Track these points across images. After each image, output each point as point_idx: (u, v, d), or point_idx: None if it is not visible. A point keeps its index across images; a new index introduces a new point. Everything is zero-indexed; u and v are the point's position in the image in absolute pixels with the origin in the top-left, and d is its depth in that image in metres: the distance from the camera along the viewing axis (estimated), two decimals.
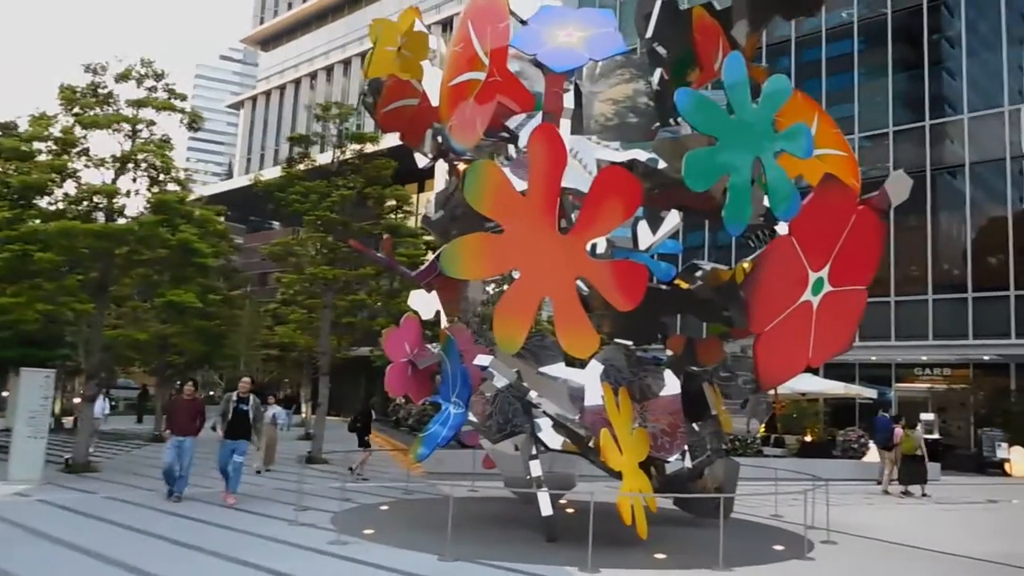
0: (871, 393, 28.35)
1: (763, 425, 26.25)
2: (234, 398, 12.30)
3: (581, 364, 11.23)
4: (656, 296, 12.01)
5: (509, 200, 8.34)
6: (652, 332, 12.73)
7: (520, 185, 8.56)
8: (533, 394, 9.81)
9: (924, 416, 29.28)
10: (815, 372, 29.50)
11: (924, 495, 18.25)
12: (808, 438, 27.51)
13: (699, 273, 12.13)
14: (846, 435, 24.53)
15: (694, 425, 11.89)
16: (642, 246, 11.85)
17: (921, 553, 10.35)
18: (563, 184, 8.60)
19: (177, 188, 16.75)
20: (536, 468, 9.82)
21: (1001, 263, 29.46)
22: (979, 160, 30.36)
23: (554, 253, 8.38)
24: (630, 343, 13.00)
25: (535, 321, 14.39)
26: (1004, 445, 26.76)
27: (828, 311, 9.21)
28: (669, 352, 12.63)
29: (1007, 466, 26.20)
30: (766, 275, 8.57)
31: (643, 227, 12.07)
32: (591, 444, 9.47)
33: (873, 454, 23.91)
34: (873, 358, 30.72)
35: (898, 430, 19.55)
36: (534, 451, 10.15)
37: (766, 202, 8.80)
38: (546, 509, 9.48)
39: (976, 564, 9.67)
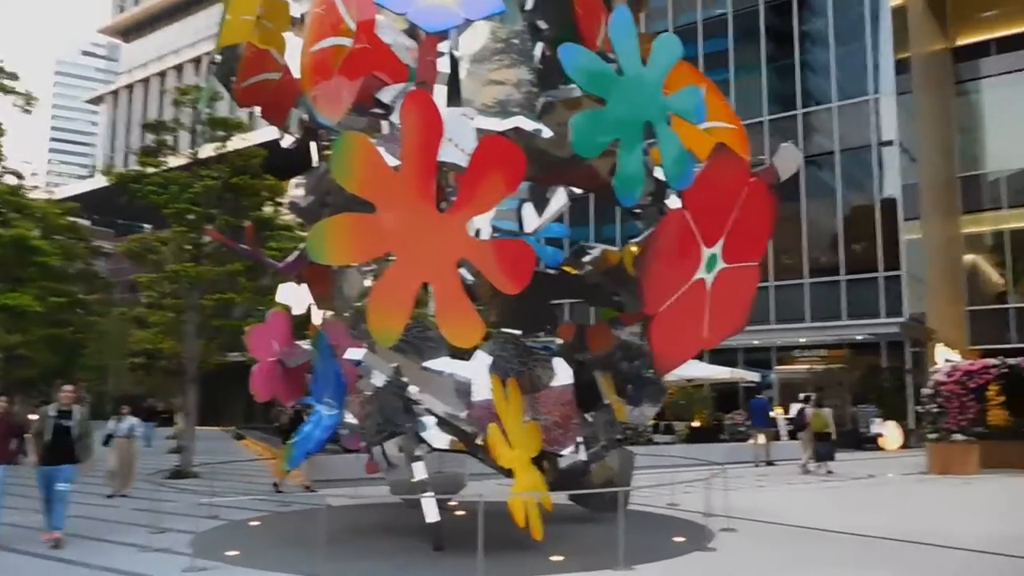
0: (754, 377, 28.89)
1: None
2: (51, 412, 9.62)
3: (468, 356, 10.54)
4: (544, 281, 11.40)
5: (380, 176, 7.51)
6: (541, 320, 12.12)
7: (393, 162, 7.75)
8: (414, 390, 8.99)
9: (802, 396, 30.12)
10: (700, 358, 29.91)
11: (829, 472, 18.61)
12: (696, 423, 27.78)
13: (587, 257, 11.61)
14: (732, 419, 24.84)
15: (587, 415, 11.37)
16: (528, 230, 11.24)
17: (820, 534, 10.15)
18: (440, 159, 7.85)
19: (13, 180, 14.98)
20: (420, 471, 9.01)
21: (869, 247, 30.62)
22: (847, 147, 31.46)
23: (432, 234, 7.61)
24: (519, 332, 12.40)
25: (417, 311, 13.58)
26: (878, 421, 27.79)
27: (722, 289, 8.81)
28: (559, 340, 12.07)
29: (880, 441, 27.19)
30: (659, 252, 8.06)
31: (528, 209, 11.47)
32: (479, 441, 8.74)
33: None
34: (755, 342, 31.36)
35: (809, 410, 19.90)
36: (418, 452, 9.33)
37: (658, 174, 8.32)
38: (431, 515, 8.68)
39: (874, 542, 9.50)
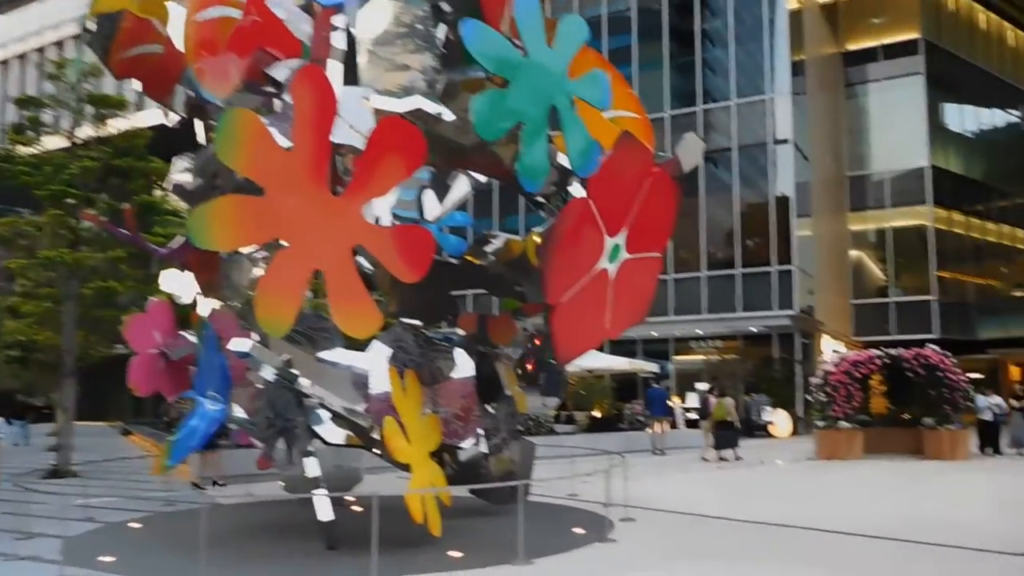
0: (653, 367, 29.43)
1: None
2: None
3: (365, 347, 10.17)
4: (445, 271, 11.13)
5: (270, 156, 7.06)
6: (442, 310, 11.84)
7: (284, 142, 7.31)
8: (305, 382, 8.57)
9: (699, 385, 30.88)
10: (600, 349, 30.20)
11: (737, 458, 19.13)
12: (597, 413, 28.04)
13: (491, 247, 11.39)
14: (632, 408, 25.18)
15: (488, 407, 11.18)
16: (429, 217, 10.92)
17: (717, 522, 10.25)
18: (335, 140, 7.46)
19: None
20: (313, 467, 8.60)
21: (763, 242, 31.59)
22: (744, 145, 32.32)
23: (325, 219, 7.21)
24: (419, 323, 12.10)
25: (316, 300, 13.06)
26: (768, 409, 28.73)
27: (625, 279, 8.73)
28: (460, 331, 11.82)
29: (771, 428, 28.11)
30: (562, 241, 7.90)
31: (429, 197, 11.14)
32: (375, 435, 8.40)
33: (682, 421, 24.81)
34: (653, 333, 31.90)
35: (712, 399, 20.39)
36: (310, 447, 8.91)
37: (562, 161, 8.16)
38: (324, 513, 8.30)
39: (769, 529, 9.66)
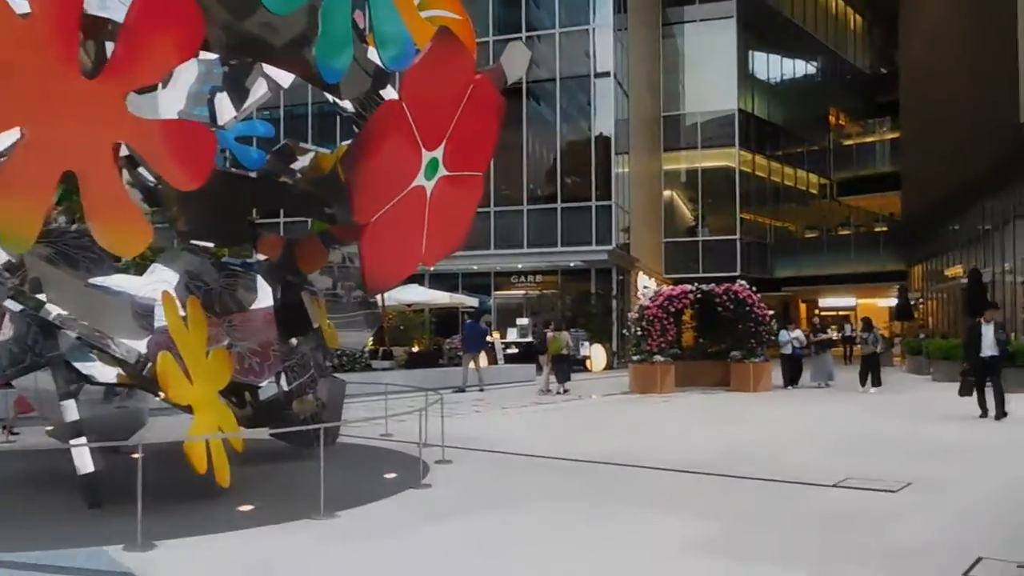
0: (473, 302, 28.97)
1: (371, 338, 25.46)
2: None
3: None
4: (242, 186, 9.84)
5: (2, 27, 5.52)
6: (238, 232, 10.53)
7: (23, 7, 5.76)
8: (55, 311, 7.12)
9: (519, 321, 30.89)
10: (420, 282, 29.39)
11: (564, 391, 19.25)
12: (416, 349, 27.29)
13: (298, 163, 10.14)
14: (452, 343, 24.62)
15: (293, 341, 10.09)
16: (222, 123, 9.51)
17: (534, 461, 9.81)
18: (87, 10, 6.01)
19: None
20: (71, 410, 7.21)
21: (584, 177, 31.71)
22: (567, 76, 32.04)
23: (76, 107, 5.78)
24: (211, 245, 10.73)
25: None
26: (586, 344, 29.17)
27: (443, 200, 7.82)
28: (261, 256, 10.57)
29: (588, 363, 28.59)
30: (371, 148, 6.84)
31: (223, 100, 9.70)
32: (147, 374, 7.15)
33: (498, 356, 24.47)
34: (474, 267, 31.47)
35: (549, 333, 20.25)
36: (72, 388, 7.49)
37: (372, 55, 7.08)
38: (85, 465, 6.99)
39: (587, 466, 9.33)
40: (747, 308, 19.53)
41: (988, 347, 12.72)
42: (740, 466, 9.00)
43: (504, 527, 6.62)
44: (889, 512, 6.81)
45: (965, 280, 25.53)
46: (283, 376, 9.86)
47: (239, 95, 9.62)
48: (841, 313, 48.48)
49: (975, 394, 12.86)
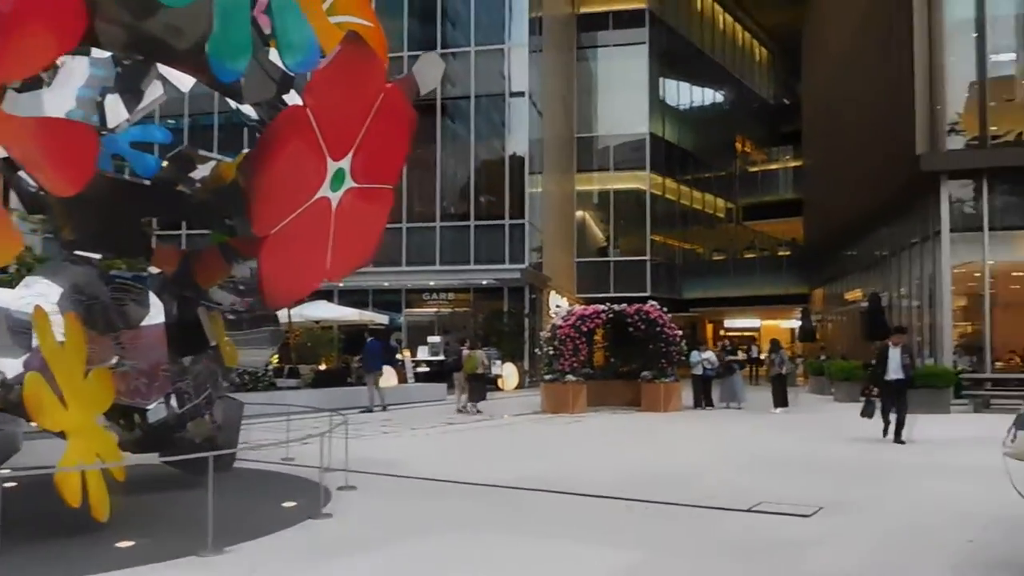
0: (383, 319, 28.37)
1: (276, 355, 24.56)
2: None
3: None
4: (134, 195, 9.21)
5: None
6: (131, 243, 9.86)
7: None
8: None
9: (431, 339, 30.41)
10: (329, 298, 28.65)
11: (477, 411, 19.05)
12: (323, 367, 26.49)
13: (198, 173, 9.55)
14: (359, 362, 23.92)
15: (186, 361, 9.46)
16: (111, 126, 8.87)
17: (444, 486, 9.45)
18: None
19: None
20: None
21: (498, 195, 31.59)
22: (482, 94, 31.95)
23: None
24: (99, 256, 9.99)
25: None
26: (498, 362, 28.91)
27: (350, 213, 7.43)
28: (155, 269, 9.92)
29: (500, 381, 28.32)
30: (272, 155, 6.40)
31: (115, 102, 9.05)
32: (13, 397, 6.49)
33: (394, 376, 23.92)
34: (385, 284, 30.90)
35: (465, 351, 19.98)
36: None
37: (274, 57, 6.66)
38: None
39: (496, 491, 9.01)
40: (658, 328, 19.64)
41: (894, 371, 12.85)
42: (655, 490, 8.84)
43: (410, 561, 6.23)
44: (808, 538, 6.71)
45: (865, 303, 26.45)
46: (174, 398, 9.24)
47: (133, 98, 9.00)
48: (747, 334, 49.72)
49: (880, 415, 12.97)
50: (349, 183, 7.35)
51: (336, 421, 9.69)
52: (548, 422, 17.30)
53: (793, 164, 52.94)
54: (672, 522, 7.49)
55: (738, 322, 53.13)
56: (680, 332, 20.29)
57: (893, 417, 12.82)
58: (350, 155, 7.22)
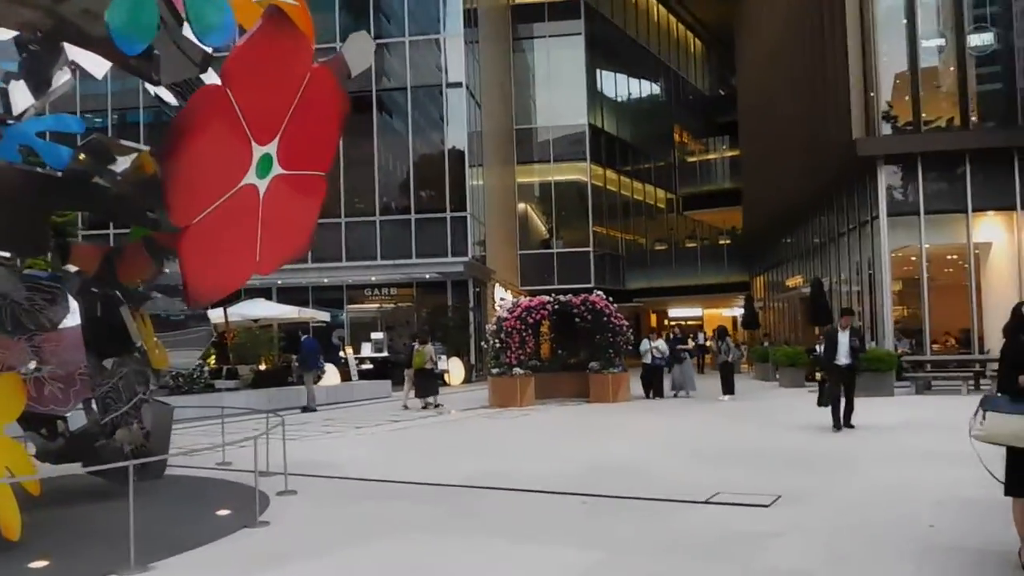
0: (324, 316, 27.75)
1: (212, 356, 23.75)
2: None
3: None
4: (43, 188, 8.57)
5: None
6: (39, 239, 9.20)
7: None
8: None
9: (374, 335, 29.84)
10: (267, 296, 27.89)
11: (437, 406, 18.76)
12: (263, 367, 25.74)
13: (119, 165, 8.94)
14: (298, 360, 23.27)
15: (108, 364, 8.89)
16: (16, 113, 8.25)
17: (388, 487, 9.05)
18: None
19: None
20: None
21: (438, 188, 31.15)
22: (418, 85, 31.44)
23: None
24: (9, 255, 9.34)
25: None
26: (444, 357, 28.48)
27: (279, 202, 6.97)
28: (74, 268, 9.33)
29: (447, 377, 27.89)
30: (190, 141, 5.91)
31: (19, 89, 8.43)
32: None
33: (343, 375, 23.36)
34: (325, 280, 30.24)
35: (416, 346, 19.49)
36: None
37: (188, 34, 6.18)
38: None
39: (439, 490, 8.66)
40: (604, 318, 19.48)
41: (844, 355, 12.51)
42: (610, 484, 8.57)
43: (354, 569, 5.85)
44: (768, 529, 6.49)
45: (807, 289, 26.76)
46: (97, 403, 8.69)
47: (39, 84, 8.37)
48: (690, 323, 50.19)
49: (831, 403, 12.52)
50: (277, 170, 6.91)
51: (273, 422, 9.22)
52: (496, 417, 16.99)
53: (730, 154, 53.57)
54: (630, 517, 7.20)
55: (681, 311, 53.63)
56: (627, 322, 20.15)
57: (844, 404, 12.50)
58: (276, 140, 6.78)
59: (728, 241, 49.70)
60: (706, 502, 7.54)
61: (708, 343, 32.35)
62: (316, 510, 7.87)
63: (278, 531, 6.92)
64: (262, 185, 6.79)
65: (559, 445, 12.62)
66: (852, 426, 12.42)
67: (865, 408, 13.51)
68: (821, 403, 12.82)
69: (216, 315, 23.49)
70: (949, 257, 22.07)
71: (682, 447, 11.77)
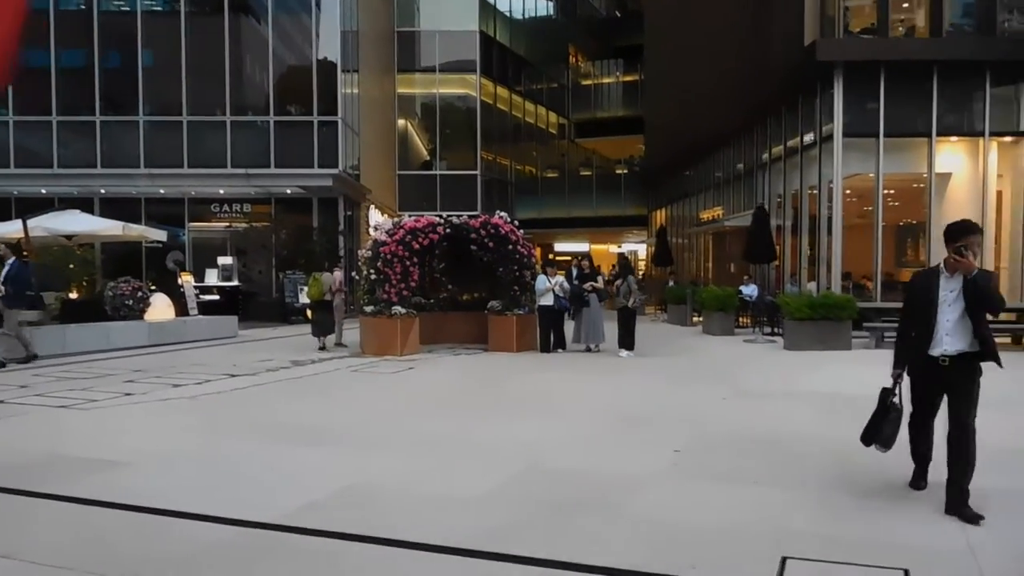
0: (159, 235, 22.42)
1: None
2: None
3: None
4: None
5: None
6: None
7: None
8: None
9: (222, 260, 24.89)
10: (89, 209, 22.46)
11: (337, 344, 15.88)
12: (74, 295, 20.42)
13: None
14: (117, 288, 18.21)
15: None
16: None
17: (173, 530, 4.90)
18: None
19: None
20: None
21: (305, 87, 26.09)
22: None
23: None
24: None
25: None
26: (306, 289, 23.91)
27: None
28: None
29: (308, 312, 23.38)
30: None
31: None
32: None
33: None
34: (161, 191, 24.85)
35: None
36: None
37: None
38: None
39: (271, 541, 4.60)
40: (510, 246, 15.55)
41: (954, 332, 5.24)
42: (558, 529, 4.75)
43: None
44: None
45: (733, 222, 23.67)
46: None
47: None
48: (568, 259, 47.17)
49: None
50: None
51: None
52: (369, 369, 12.86)
53: (626, 79, 50.19)
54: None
55: (567, 246, 50.50)
56: (536, 252, 16.26)
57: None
58: None
59: (625, 171, 46.59)
60: None
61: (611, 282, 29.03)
62: None
63: None
64: None
65: (461, 428, 8.35)
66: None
67: (821, 366, 10.33)
68: (871, 440, 5.69)
69: (14, 228, 18.12)
70: (913, 187, 19.06)
71: (656, 437, 7.87)
